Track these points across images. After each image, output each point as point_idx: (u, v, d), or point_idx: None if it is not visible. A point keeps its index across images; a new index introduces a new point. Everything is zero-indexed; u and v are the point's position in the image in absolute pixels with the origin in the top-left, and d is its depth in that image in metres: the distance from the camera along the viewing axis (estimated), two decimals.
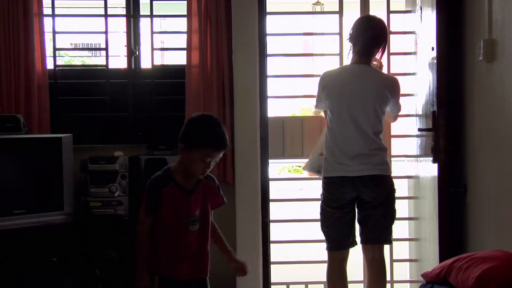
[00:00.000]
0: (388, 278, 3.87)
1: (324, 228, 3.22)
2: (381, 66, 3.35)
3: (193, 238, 2.48)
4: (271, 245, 3.78)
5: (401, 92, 3.82)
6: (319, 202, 3.25)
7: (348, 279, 3.81)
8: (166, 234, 2.45)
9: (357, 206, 3.19)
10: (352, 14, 3.95)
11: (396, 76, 3.32)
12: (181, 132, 2.46)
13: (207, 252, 2.56)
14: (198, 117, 2.48)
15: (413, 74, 3.79)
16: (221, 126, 2.46)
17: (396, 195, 4.12)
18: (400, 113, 4.00)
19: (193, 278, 2.52)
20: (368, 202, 3.15)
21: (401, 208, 4.14)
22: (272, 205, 3.81)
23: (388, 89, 3.17)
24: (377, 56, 3.25)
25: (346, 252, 3.25)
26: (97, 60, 6.77)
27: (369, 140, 3.11)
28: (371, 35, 3.15)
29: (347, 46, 3.25)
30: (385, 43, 3.22)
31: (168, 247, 2.46)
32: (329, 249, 3.23)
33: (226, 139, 2.45)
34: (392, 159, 3.95)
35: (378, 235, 3.19)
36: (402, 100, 3.32)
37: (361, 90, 3.12)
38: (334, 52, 3.88)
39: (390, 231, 3.24)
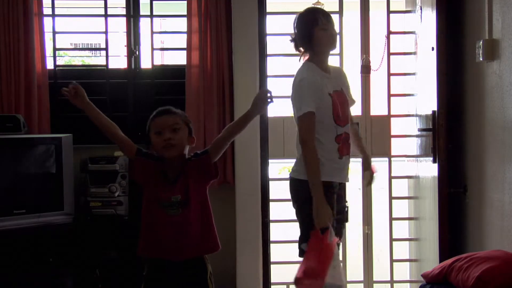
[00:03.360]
0: (388, 278, 3.88)
1: None
2: None
3: (174, 222, 2.41)
4: (271, 245, 3.78)
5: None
6: None
7: (348, 279, 3.83)
8: (147, 211, 2.46)
9: None
10: (352, 14, 3.95)
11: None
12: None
13: (196, 233, 2.46)
14: None
15: (413, 74, 3.79)
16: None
17: (397, 195, 4.12)
18: (400, 113, 4.00)
19: (182, 259, 2.43)
20: None
21: (401, 208, 4.15)
22: (272, 205, 3.81)
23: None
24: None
25: None
26: (97, 60, 6.77)
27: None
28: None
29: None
30: (299, 36, 2.90)
31: (150, 227, 2.45)
32: None
33: (167, 107, 2.49)
34: (392, 159, 3.95)
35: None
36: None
37: None
38: (333, 52, 3.88)
39: (301, 240, 2.92)
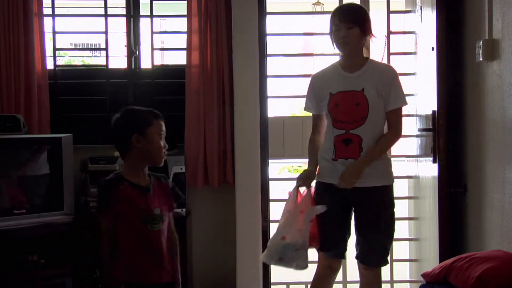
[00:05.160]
0: (388, 278, 3.88)
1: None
2: None
3: (156, 238, 2.37)
4: None
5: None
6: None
7: (348, 279, 3.83)
8: (126, 235, 2.35)
9: None
10: None
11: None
12: (124, 128, 2.40)
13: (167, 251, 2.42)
14: (126, 109, 2.49)
15: (413, 74, 3.79)
16: None
17: (397, 195, 4.13)
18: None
19: (161, 282, 2.38)
20: None
21: (401, 208, 4.15)
22: (272, 205, 3.80)
23: None
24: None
25: None
26: (97, 60, 6.77)
27: None
28: None
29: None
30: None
31: (130, 249, 2.36)
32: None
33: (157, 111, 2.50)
34: (392, 159, 3.95)
35: None
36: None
37: None
38: (334, 52, 3.87)
39: None
